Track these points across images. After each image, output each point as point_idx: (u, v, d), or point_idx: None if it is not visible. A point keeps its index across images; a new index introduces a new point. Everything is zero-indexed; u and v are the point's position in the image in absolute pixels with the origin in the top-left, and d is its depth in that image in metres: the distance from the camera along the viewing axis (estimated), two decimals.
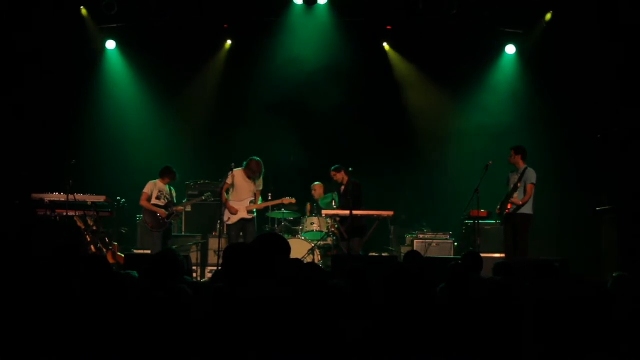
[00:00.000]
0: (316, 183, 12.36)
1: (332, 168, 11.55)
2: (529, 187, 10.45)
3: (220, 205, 11.01)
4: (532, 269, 5.23)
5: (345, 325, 3.44)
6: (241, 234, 10.98)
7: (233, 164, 10.87)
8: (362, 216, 11.16)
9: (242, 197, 10.97)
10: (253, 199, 11.04)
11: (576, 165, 12.67)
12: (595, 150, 11.98)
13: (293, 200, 11.42)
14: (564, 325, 3.77)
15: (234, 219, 10.94)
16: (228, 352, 3.58)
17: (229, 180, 10.87)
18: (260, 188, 11.16)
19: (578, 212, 12.38)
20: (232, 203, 10.90)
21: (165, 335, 3.88)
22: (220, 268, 8.92)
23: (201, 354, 3.69)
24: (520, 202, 10.38)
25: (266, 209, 11.77)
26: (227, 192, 10.92)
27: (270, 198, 11.37)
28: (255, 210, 11.07)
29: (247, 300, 3.78)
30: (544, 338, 3.82)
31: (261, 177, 11.09)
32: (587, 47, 12.28)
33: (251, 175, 10.98)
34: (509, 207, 10.47)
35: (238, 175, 10.94)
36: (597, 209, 11.30)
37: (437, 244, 12.24)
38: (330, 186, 12.02)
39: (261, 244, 4.40)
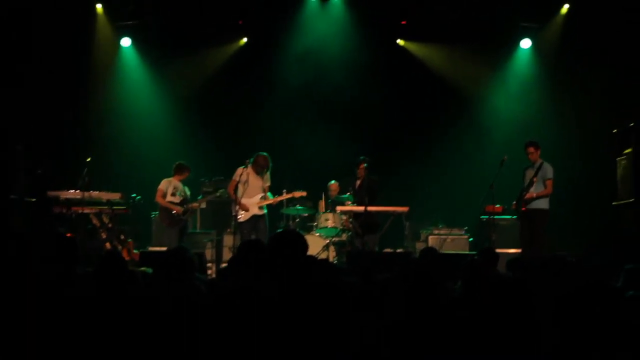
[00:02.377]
0: (332, 182, 12.28)
1: (362, 158, 11.38)
2: (549, 182, 10.40)
3: (232, 203, 11.01)
4: (546, 264, 5.18)
5: (355, 321, 3.43)
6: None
7: (247, 161, 10.87)
8: (376, 212, 11.11)
9: (253, 193, 10.96)
10: (263, 194, 11.02)
11: (592, 160, 12.56)
12: (612, 145, 11.82)
13: (304, 193, 11.33)
14: (575, 321, 3.73)
15: (246, 215, 10.93)
16: (235, 348, 3.58)
17: (237, 178, 10.88)
18: (268, 184, 11.12)
19: (596, 207, 12.27)
20: (243, 200, 10.87)
21: (177, 331, 3.88)
22: (226, 265, 8.91)
23: (210, 349, 3.69)
24: (535, 195, 10.31)
25: (280, 205, 11.73)
26: (236, 189, 10.87)
27: (284, 193, 11.32)
28: (265, 206, 11.07)
29: (259, 296, 3.77)
30: (558, 334, 3.78)
31: (268, 173, 11.08)
32: (604, 41, 12.18)
33: (259, 170, 10.96)
34: (525, 199, 10.41)
35: (247, 172, 10.92)
36: (614, 203, 11.14)
37: (452, 240, 12.18)
38: (344, 184, 11.97)
39: (278, 240, 4.38)
